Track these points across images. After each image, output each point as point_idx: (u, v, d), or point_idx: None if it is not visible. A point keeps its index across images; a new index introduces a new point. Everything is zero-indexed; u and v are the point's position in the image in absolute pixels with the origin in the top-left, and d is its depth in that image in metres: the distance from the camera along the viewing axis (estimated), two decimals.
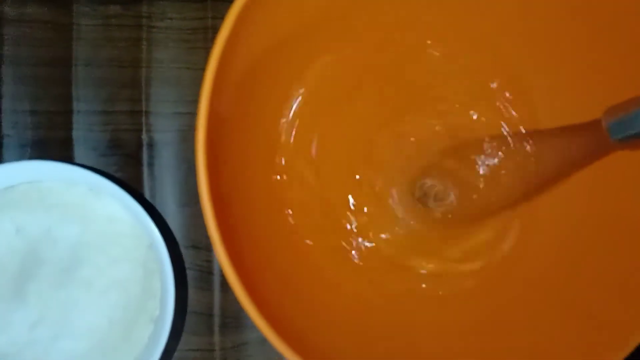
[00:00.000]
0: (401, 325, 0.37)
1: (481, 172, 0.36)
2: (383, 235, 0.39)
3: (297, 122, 0.38)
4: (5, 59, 0.39)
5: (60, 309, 0.34)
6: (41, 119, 0.39)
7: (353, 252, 0.38)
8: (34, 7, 0.39)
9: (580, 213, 0.35)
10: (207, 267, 0.40)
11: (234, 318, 0.40)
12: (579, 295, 0.33)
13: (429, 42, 0.38)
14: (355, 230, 0.38)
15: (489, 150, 0.37)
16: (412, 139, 0.39)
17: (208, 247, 0.40)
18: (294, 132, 0.38)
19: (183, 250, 0.39)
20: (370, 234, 0.38)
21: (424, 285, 0.38)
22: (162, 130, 0.40)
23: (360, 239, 0.38)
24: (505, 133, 0.38)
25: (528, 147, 0.35)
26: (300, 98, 0.38)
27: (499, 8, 0.35)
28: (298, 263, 0.36)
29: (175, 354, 0.39)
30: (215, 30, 0.40)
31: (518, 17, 0.35)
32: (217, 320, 0.40)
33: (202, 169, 0.27)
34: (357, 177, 0.39)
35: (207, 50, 0.40)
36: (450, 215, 0.38)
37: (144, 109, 0.40)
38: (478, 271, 0.38)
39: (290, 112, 0.38)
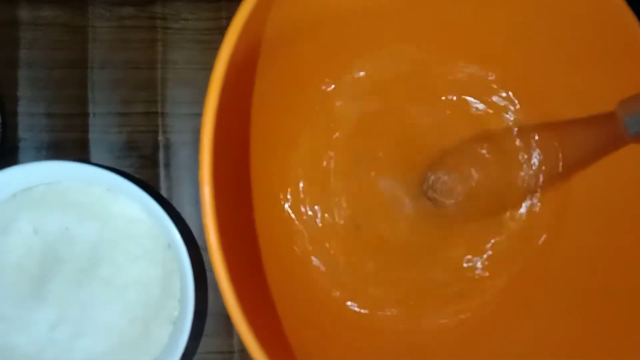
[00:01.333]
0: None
1: (496, 167, 0.37)
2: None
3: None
4: (21, 62, 0.39)
5: (80, 308, 0.34)
6: (57, 122, 0.39)
7: None
8: (49, 10, 0.39)
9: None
10: None
11: None
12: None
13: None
14: None
15: (499, 144, 0.37)
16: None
17: None
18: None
19: (202, 251, 0.39)
20: None
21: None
22: (178, 131, 0.40)
23: None
24: (516, 126, 0.38)
25: (539, 141, 0.35)
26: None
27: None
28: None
29: (195, 356, 0.38)
30: None
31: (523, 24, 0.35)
32: None
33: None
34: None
35: None
36: (459, 211, 0.38)
37: (159, 110, 0.40)
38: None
39: None
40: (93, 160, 0.39)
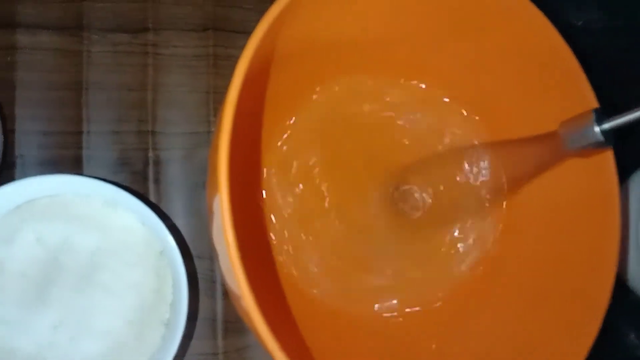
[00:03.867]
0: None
1: (455, 179, 0.41)
2: None
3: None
4: (19, 83, 0.41)
5: (80, 312, 0.37)
6: (53, 139, 0.42)
7: None
8: (46, 35, 0.42)
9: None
10: (210, 276, 0.42)
11: (235, 323, 0.42)
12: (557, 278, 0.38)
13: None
14: None
15: (460, 159, 0.41)
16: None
17: (211, 257, 0.42)
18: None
19: (195, 259, 0.42)
20: None
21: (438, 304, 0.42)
22: (167, 149, 0.43)
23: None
24: (475, 144, 0.43)
25: (491, 157, 0.39)
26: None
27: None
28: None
29: (183, 358, 0.41)
30: (216, 57, 0.43)
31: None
32: (220, 325, 0.42)
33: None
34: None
35: (209, 76, 0.44)
36: (424, 217, 0.42)
37: (150, 129, 0.43)
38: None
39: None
40: (87, 175, 0.42)
